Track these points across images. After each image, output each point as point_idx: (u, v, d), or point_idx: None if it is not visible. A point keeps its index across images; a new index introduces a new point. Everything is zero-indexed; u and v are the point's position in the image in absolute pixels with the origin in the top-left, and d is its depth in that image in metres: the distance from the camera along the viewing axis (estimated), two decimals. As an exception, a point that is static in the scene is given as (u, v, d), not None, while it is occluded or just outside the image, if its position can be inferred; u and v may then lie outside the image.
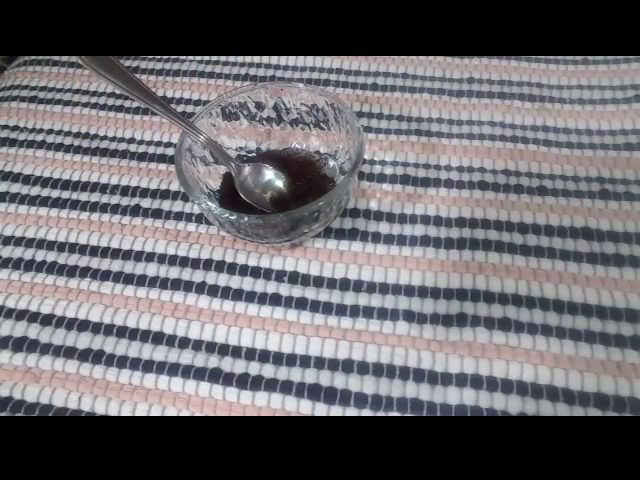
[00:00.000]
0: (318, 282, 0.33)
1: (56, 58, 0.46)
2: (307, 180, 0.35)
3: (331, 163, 0.36)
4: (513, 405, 0.29)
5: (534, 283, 0.33)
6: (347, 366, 0.30)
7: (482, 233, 0.35)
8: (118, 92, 0.43)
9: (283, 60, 0.45)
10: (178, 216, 0.37)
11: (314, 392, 0.30)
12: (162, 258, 0.35)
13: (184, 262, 0.35)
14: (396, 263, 0.34)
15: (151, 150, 0.40)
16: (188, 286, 0.34)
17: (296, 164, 0.36)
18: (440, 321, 0.32)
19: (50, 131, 0.42)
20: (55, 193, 0.38)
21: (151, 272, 0.34)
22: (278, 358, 0.31)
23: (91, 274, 0.34)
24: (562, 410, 0.29)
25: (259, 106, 0.37)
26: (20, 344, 0.32)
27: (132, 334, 0.32)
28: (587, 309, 0.32)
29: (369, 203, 0.36)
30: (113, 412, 0.30)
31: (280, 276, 0.34)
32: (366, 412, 0.29)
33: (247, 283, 0.33)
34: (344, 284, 0.33)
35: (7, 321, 0.33)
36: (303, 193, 0.34)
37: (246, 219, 0.29)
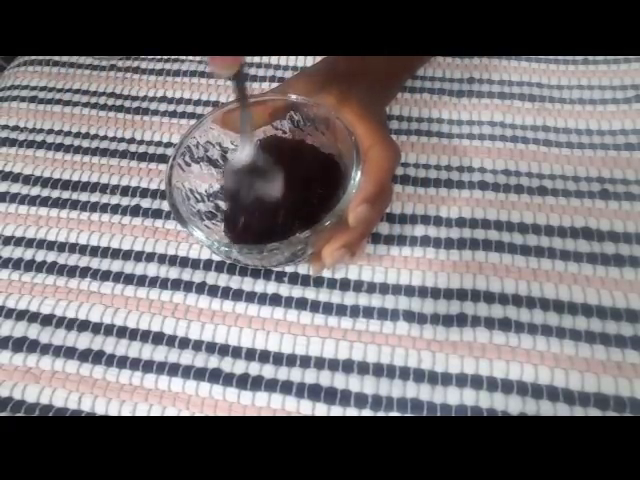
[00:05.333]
0: (318, 282, 0.33)
1: (56, 58, 0.46)
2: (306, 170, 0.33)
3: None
4: (513, 405, 0.29)
5: (534, 283, 0.33)
6: (347, 366, 0.30)
7: (482, 233, 0.35)
8: (118, 92, 0.43)
9: (283, 60, 0.45)
10: (178, 216, 0.37)
11: (314, 392, 0.30)
12: (162, 258, 0.35)
13: (184, 262, 0.35)
14: (396, 263, 0.34)
15: (151, 150, 0.40)
16: (188, 286, 0.34)
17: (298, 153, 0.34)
18: (440, 321, 0.32)
19: (50, 131, 0.42)
20: (55, 193, 0.38)
21: (151, 272, 0.34)
22: (278, 358, 0.31)
23: (91, 274, 0.34)
24: (562, 410, 0.29)
25: None
26: (20, 344, 0.32)
27: (132, 334, 0.32)
28: (587, 309, 0.32)
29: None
30: (113, 412, 0.30)
31: (280, 276, 0.34)
32: (366, 412, 0.29)
33: (247, 283, 0.33)
34: (344, 284, 0.33)
35: (7, 321, 0.33)
36: (305, 185, 0.32)
37: (235, 251, 0.28)
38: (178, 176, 0.30)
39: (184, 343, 0.32)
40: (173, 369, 0.31)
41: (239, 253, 0.28)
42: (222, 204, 0.34)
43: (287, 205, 0.32)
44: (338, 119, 0.30)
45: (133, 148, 0.40)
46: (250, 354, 0.31)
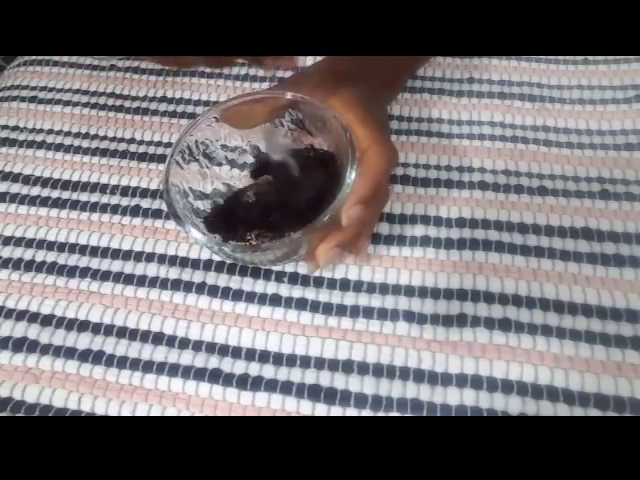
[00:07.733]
0: (318, 282, 0.33)
1: (56, 58, 0.46)
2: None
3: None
4: (513, 405, 0.29)
5: (534, 283, 0.33)
6: (347, 366, 0.30)
7: (482, 233, 0.35)
8: (118, 92, 0.43)
9: (283, 60, 0.45)
10: (178, 216, 0.37)
11: (314, 392, 0.30)
12: (162, 258, 0.35)
13: (184, 262, 0.34)
14: (396, 263, 0.34)
15: (151, 150, 0.40)
16: (188, 286, 0.34)
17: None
18: (440, 321, 0.32)
19: (50, 131, 0.42)
20: (55, 193, 0.38)
21: (151, 272, 0.34)
22: (278, 359, 0.31)
23: (91, 274, 0.34)
24: (562, 410, 0.29)
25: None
26: (20, 344, 0.32)
27: (132, 334, 0.32)
28: (587, 309, 0.32)
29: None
30: (113, 412, 0.30)
31: (280, 276, 0.34)
32: (366, 412, 0.29)
33: (247, 283, 0.33)
34: (344, 284, 0.33)
35: (7, 321, 0.33)
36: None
37: (228, 249, 0.29)
38: (175, 174, 0.30)
39: (184, 343, 0.32)
40: (173, 369, 0.31)
41: (232, 252, 0.29)
42: (220, 202, 0.34)
43: (282, 203, 0.32)
44: (335, 117, 0.30)
45: (133, 148, 0.40)
46: (250, 354, 0.31)
